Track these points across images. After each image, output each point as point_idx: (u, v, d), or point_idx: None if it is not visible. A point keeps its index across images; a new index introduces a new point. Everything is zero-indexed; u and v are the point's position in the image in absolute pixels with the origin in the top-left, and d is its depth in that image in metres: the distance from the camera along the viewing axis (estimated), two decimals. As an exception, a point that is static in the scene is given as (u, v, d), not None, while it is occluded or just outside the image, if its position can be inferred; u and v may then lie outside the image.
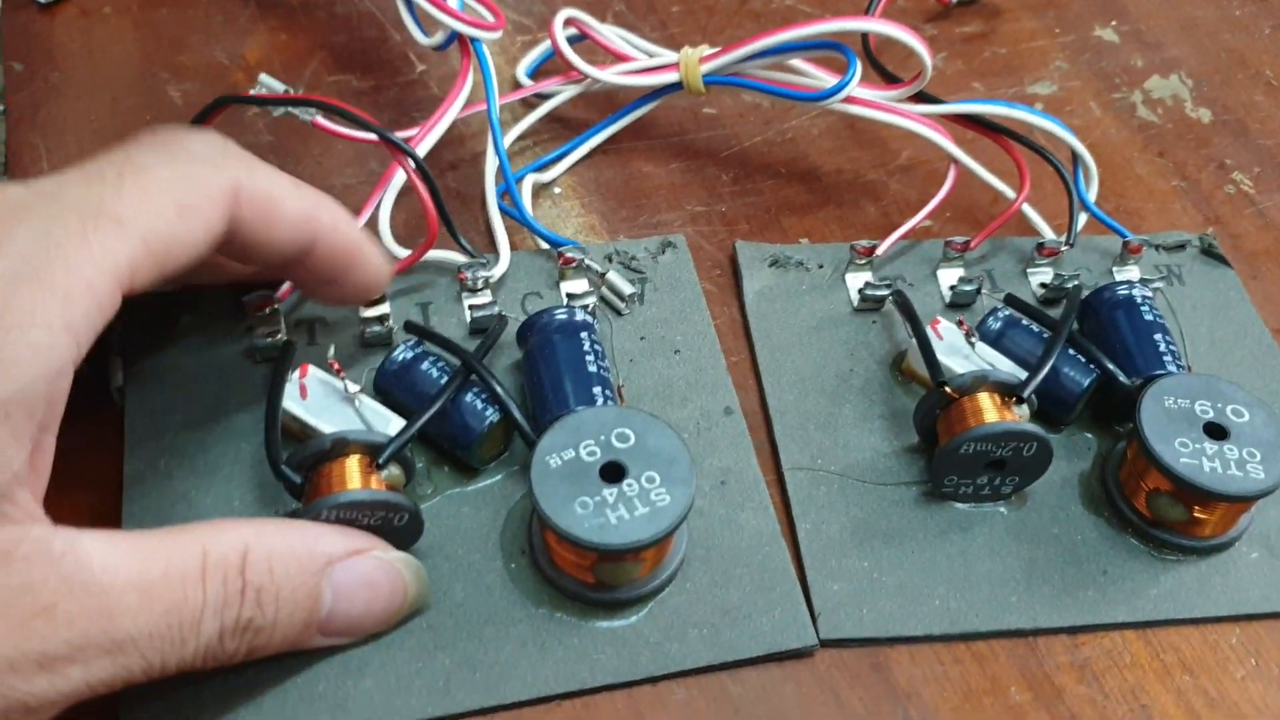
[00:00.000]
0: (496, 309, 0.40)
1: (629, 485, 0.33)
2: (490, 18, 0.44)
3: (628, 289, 0.42)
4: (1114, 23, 0.56)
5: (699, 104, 0.51)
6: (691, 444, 0.38)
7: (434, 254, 0.42)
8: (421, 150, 0.42)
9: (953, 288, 0.43)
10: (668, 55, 0.47)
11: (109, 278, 0.28)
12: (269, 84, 0.40)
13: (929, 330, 0.39)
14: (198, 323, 0.40)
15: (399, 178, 0.43)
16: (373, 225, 0.42)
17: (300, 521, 0.32)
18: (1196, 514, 0.36)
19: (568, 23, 0.46)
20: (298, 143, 0.47)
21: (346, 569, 0.32)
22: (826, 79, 0.45)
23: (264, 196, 0.32)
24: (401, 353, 0.38)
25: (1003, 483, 0.37)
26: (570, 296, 0.42)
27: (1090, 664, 0.35)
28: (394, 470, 0.35)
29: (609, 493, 0.33)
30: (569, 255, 0.41)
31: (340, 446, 0.34)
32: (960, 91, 0.52)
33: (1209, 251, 0.46)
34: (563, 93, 0.48)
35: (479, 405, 0.36)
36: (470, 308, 0.41)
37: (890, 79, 0.47)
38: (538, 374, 0.38)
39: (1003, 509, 0.38)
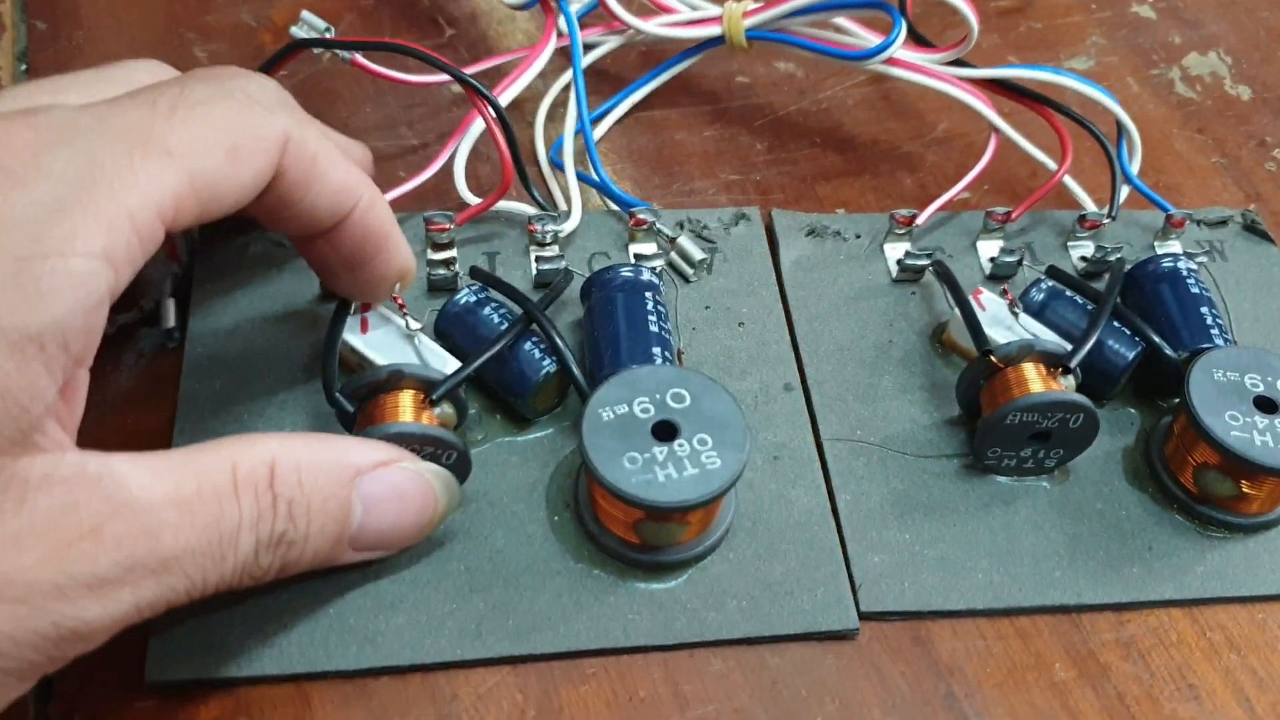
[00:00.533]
0: (563, 263, 0.40)
1: (680, 445, 0.32)
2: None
3: (698, 254, 0.41)
4: (1151, -1, 0.55)
5: (733, 72, 0.50)
6: (749, 417, 0.37)
7: (505, 205, 0.42)
8: (503, 101, 0.42)
9: (993, 259, 0.42)
10: (711, 9, 0.46)
11: (153, 210, 0.27)
12: (310, 21, 0.39)
13: (971, 300, 0.38)
14: (269, 254, 0.40)
15: (474, 128, 0.43)
16: (447, 173, 0.43)
17: (328, 435, 0.31)
18: (1245, 489, 0.35)
19: None
20: (325, 105, 0.46)
21: (376, 480, 0.31)
22: (870, 39, 0.44)
23: (310, 155, 0.31)
24: (465, 296, 0.37)
25: (1046, 456, 0.37)
26: (638, 258, 0.41)
27: (1136, 641, 0.34)
28: (447, 409, 0.34)
29: (659, 450, 0.32)
30: (641, 217, 0.41)
31: (395, 379, 0.33)
32: (996, 65, 0.51)
33: (1252, 227, 0.45)
34: (605, 44, 0.47)
35: (537, 355, 0.36)
36: (537, 259, 0.40)
37: (926, 44, 0.46)
38: (597, 329, 0.37)
39: (1045, 483, 0.37)
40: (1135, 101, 0.50)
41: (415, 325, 0.36)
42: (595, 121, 0.46)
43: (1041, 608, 0.35)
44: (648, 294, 0.38)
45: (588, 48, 0.47)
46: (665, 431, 0.33)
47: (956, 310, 0.38)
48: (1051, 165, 0.44)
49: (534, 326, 0.36)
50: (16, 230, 0.25)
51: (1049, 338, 0.38)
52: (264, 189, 0.31)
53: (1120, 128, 0.44)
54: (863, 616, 0.34)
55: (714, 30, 0.45)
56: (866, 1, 0.43)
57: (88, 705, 0.31)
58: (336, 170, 0.32)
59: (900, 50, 0.43)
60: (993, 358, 0.36)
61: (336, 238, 0.34)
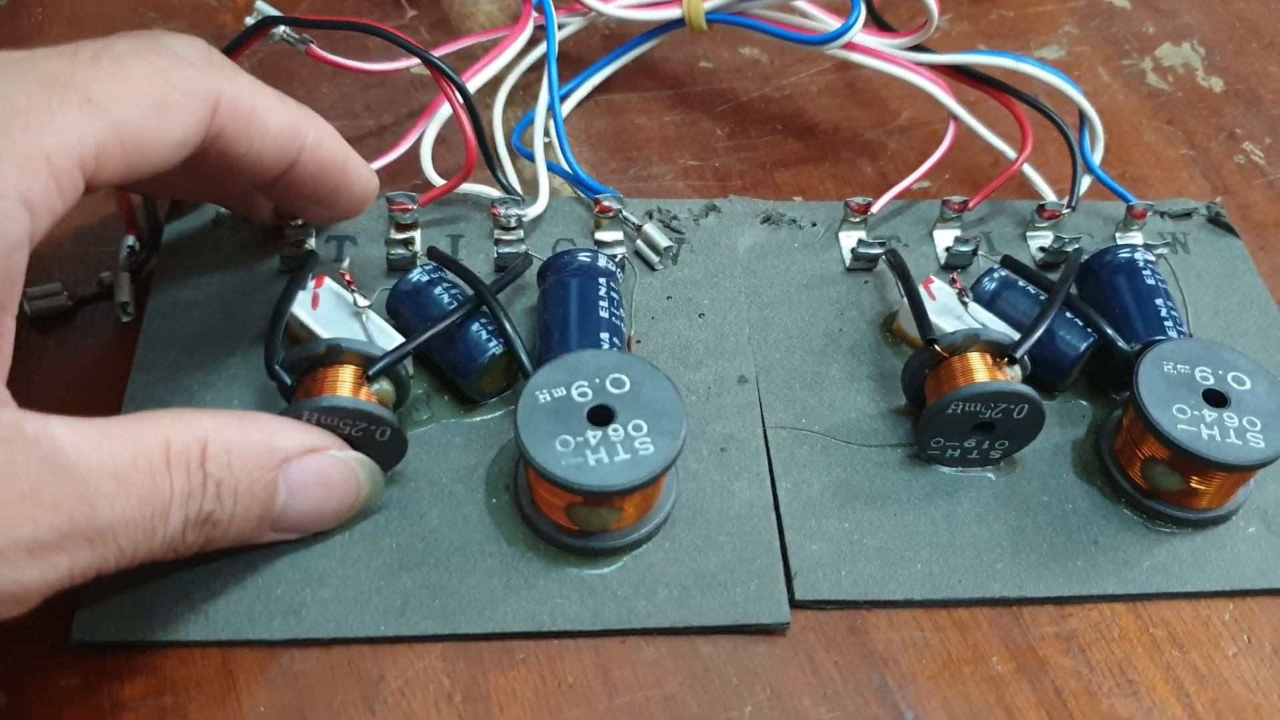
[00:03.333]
0: (523, 248, 0.40)
1: (614, 430, 0.32)
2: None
3: (664, 242, 0.40)
4: (1127, -12, 0.55)
5: (695, 57, 0.49)
6: (699, 408, 0.37)
7: (470, 188, 0.41)
8: (472, 87, 0.42)
9: (948, 249, 0.41)
10: None
11: (71, 156, 0.27)
12: (263, 9, 0.39)
13: (921, 289, 0.38)
14: (235, 233, 0.40)
15: (442, 112, 0.43)
16: (413, 157, 0.42)
17: (261, 415, 0.31)
18: (1193, 484, 0.35)
19: None
20: (281, 86, 0.46)
21: (303, 466, 0.31)
22: (830, 23, 0.43)
23: (246, 107, 0.31)
24: (417, 275, 0.37)
25: (991, 447, 0.36)
26: (601, 244, 0.41)
27: (1077, 635, 0.34)
28: (385, 386, 0.34)
29: (592, 434, 0.32)
30: (606, 204, 0.40)
31: (335, 354, 0.33)
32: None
33: (1216, 220, 0.44)
34: (566, 26, 0.47)
35: (484, 336, 0.36)
36: (498, 243, 0.40)
37: (886, 28, 0.45)
38: (548, 313, 0.37)
39: (991, 475, 0.37)
40: (1105, 92, 0.50)
41: (363, 302, 0.36)
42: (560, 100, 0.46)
43: (981, 600, 0.34)
44: (602, 280, 0.37)
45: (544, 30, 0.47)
46: (601, 416, 0.32)
47: (905, 299, 0.38)
48: (1011, 154, 0.44)
49: (484, 309, 0.36)
50: None
51: (998, 328, 0.37)
52: (208, 146, 0.31)
53: (1082, 117, 0.43)
54: (798, 605, 0.34)
55: (675, 12, 0.45)
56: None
57: (12, 679, 0.31)
58: (276, 115, 0.32)
59: (860, 35, 0.42)
60: (937, 346, 0.35)
61: (293, 178, 0.33)
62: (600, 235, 0.41)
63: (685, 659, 0.33)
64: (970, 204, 0.42)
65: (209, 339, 0.37)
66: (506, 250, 0.40)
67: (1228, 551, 0.36)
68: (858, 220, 0.42)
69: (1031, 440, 0.36)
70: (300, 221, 0.39)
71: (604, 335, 0.36)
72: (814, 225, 0.43)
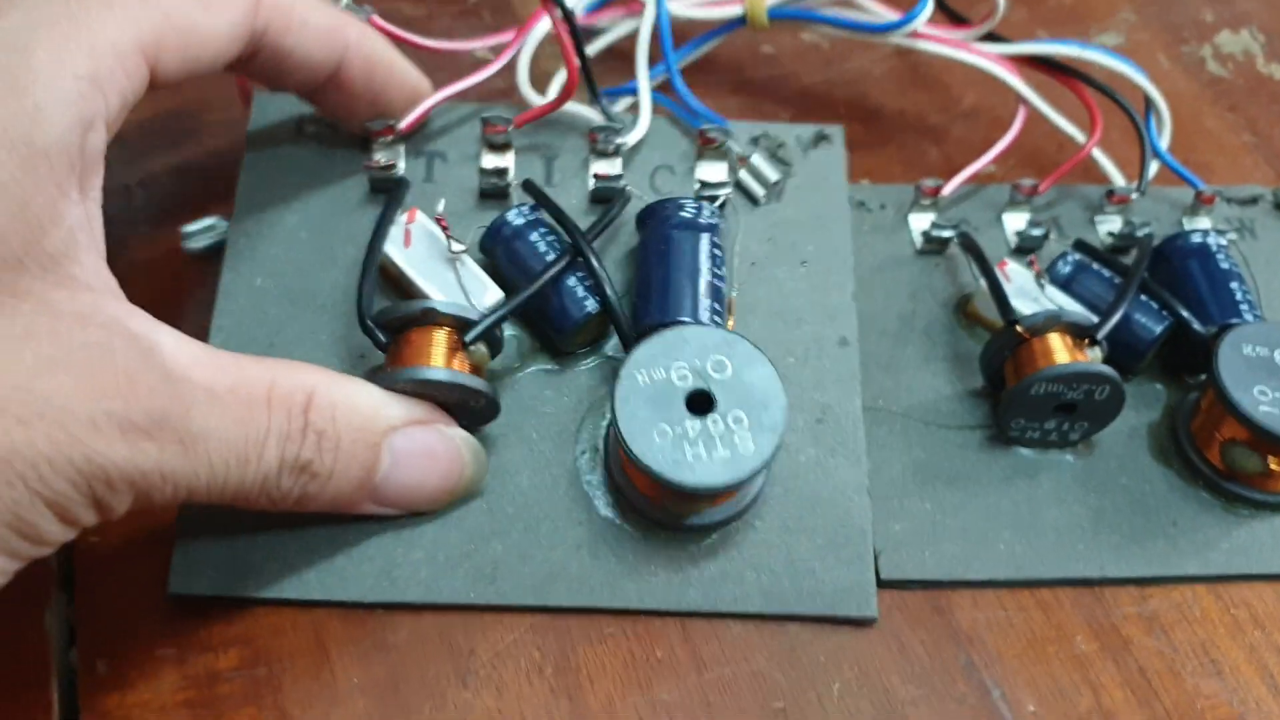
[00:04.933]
0: (623, 183, 0.38)
1: (714, 422, 0.31)
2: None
3: (773, 175, 0.39)
4: (1183, -24, 0.55)
5: (757, 42, 0.49)
6: (797, 372, 0.36)
7: (569, 108, 0.40)
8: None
9: (1019, 233, 0.41)
10: None
11: (133, 43, 0.28)
12: None
13: (997, 271, 0.38)
14: (320, 141, 0.39)
15: (539, 28, 0.41)
16: (510, 71, 0.41)
17: (371, 385, 0.31)
18: (1273, 466, 0.35)
19: None
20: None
21: (409, 435, 0.31)
22: (890, 17, 0.43)
23: (286, 5, 0.33)
24: (514, 217, 0.36)
25: (1071, 428, 0.36)
26: (704, 184, 0.39)
27: (1159, 616, 0.34)
28: (480, 347, 0.33)
29: (691, 425, 0.31)
30: (710, 135, 0.39)
31: (430, 316, 0.33)
32: (1024, 40, 0.50)
33: (1283, 206, 0.44)
34: (624, 26, 0.47)
35: (580, 292, 0.35)
36: (595, 176, 0.39)
37: (957, 19, 0.45)
38: (648, 270, 0.36)
39: (1069, 457, 0.37)
40: (1166, 79, 0.50)
41: (459, 247, 0.35)
42: (615, 97, 0.45)
43: (1063, 580, 0.35)
44: (705, 235, 0.36)
45: (604, 31, 0.46)
46: (701, 403, 0.32)
47: (982, 281, 0.38)
48: (1080, 139, 0.44)
49: (580, 260, 0.35)
50: (3, 53, 0.26)
51: (1076, 310, 0.37)
52: (254, 47, 0.32)
53: (1149, 102, 0.43)
54: (883, 585, 0.34)
55: (736, 10, 0.44)
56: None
57: (110, 649, 0.31)
58: (317, 14, 0.34)
59: (924, 26, 0.42)
60: (1019, 328, 0.36)
61: (342, 80, 0.35)
62: (702, 172, 0.40)
63: (773, 636, 0.33)
64: (1040, 188, 0.42)
65: (296, 264, 0.37)
66: (603, 185, 0.38)
67: (1306, 534, 0.36)
68: (928, 203, 0.42)
69: (1111, 422, 0.36)
70: (388, 132, 0.38)
71: (705, 302, 0.35)
72: (884, 208, 0.43)
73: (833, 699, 0.32)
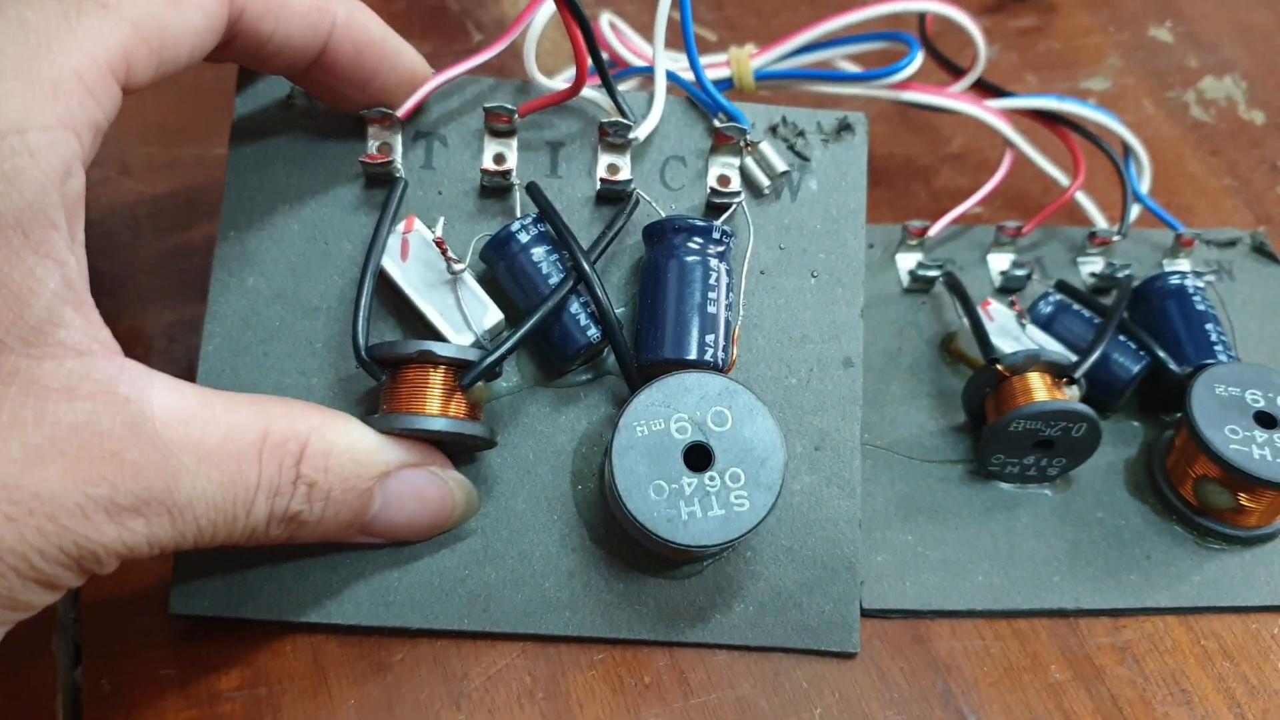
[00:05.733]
0: (631, 186, 0.36)
1: (711, 480, 0.31)
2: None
3: (780, 165, 0.37)
4: (1169, 23, 0.56)
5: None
6: (797, 394, 0.36)
7: (583, 93, 0.37)
8: None
9: (1003, 273, 0.43)
10: (716, 55, 0.46)
11: (101, 66, 0.26)
12: None
13: (980, 311, 0.39)
14: (310, 120, 0.37)
15: (546, 7, 0.37)
16: (516, 50, 0.37)
17: (366, 427, 0.31)
18: (1244, 502, 0.36)
19: (611, 27, 0.45)
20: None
21: (401, 479, 0.32)
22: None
23: None
24: (519, 231, 0.34)
25: (1049, 464, 0.37)
26: (715, 191, 0.37)
27: (1131, 646, 0.35)
28: (479, 385, 0.33)
29: (688, 482, 0.31)
30: (727, 133, 0.37)
31: (427, 357, 0.32)
32: (1013, 84, 0.52)
33: (1261, 249, 0.46)
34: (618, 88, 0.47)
35: (583, 320, 0.34)
36: (601, 179, 0.36)
37: (948, 65, 0.47)
38: (655, 297, 0.34)
39: (1048, 491, 0.38)
40: (1150, 123, 0.51)
41: (459, 267, 0.34)
42: (626, 77, 0.44)
43: (1040, 611, 0.36)
44: (716, 263, 0.34)
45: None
46: (699, 457, 0.32)
47: (965, 320, 0.39)
48: (1065, 182, 0.45)
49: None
50: None
51: (1055, 349, 0.38)
52: (233, 32, 0.30)
53: (1126, 148, 0.45)
54: (864, 614, 0.35)
55: (724, 72, 0.45)
56: (876, 36, 0.43)
57: (114, 670, 0.33)
58: None
59: (912, 74, 0.43)
60: (999, 366, 0.37)
61: (330, 61, 0.33)
62: (715, 170, 0.37)
63: (757, 663, 0.34)
64: (1025, 229, 0.43)
65: (288, 263, 0.35)
66: (610, 186, 0.36)
67: (1276, 567, 0.37)
68: (915, 243, 0.43)
69: (1088, 458, 0.37)
70: (385, 120, 0.36)
71: (710, 337, 0.33)
72: (871, 247, 0.44)
73: (814, 724, 0.33)
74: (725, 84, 0.46)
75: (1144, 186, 0.45)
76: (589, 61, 0.35)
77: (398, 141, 0.36)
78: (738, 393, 0.32)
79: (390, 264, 0.34)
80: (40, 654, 0.33)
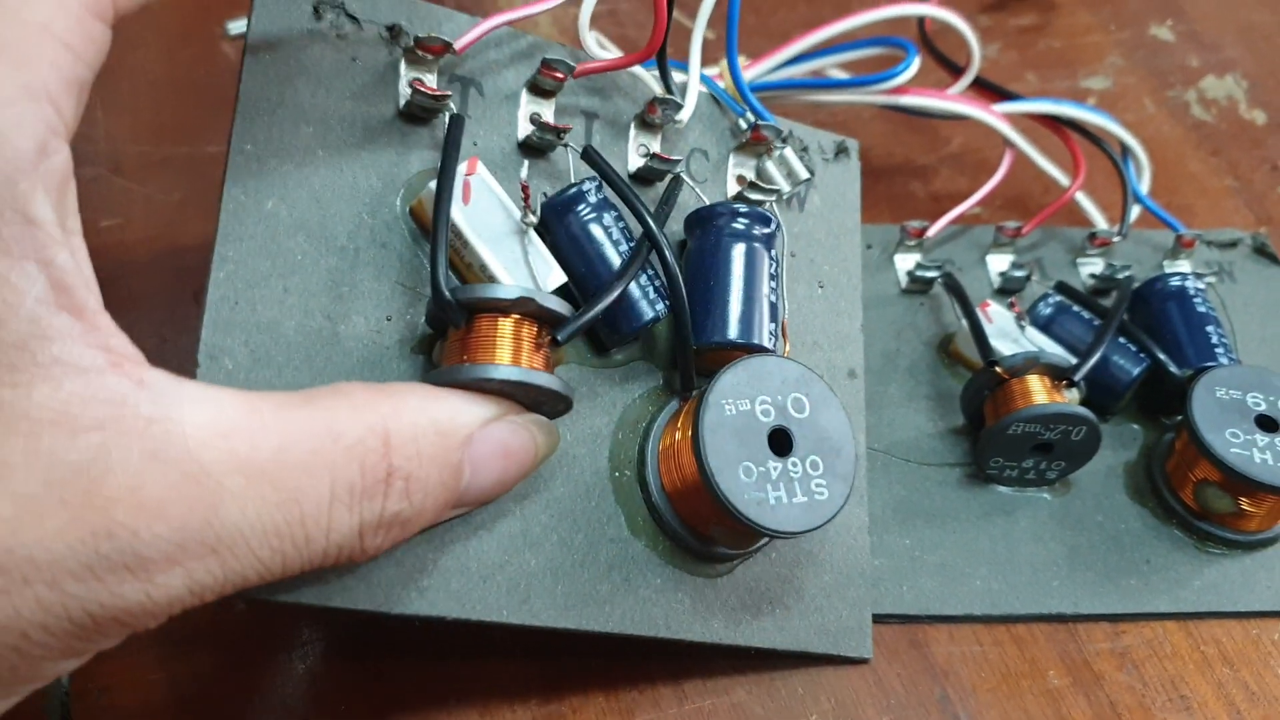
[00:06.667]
0: (678, 168, 0.35)
1: (794, 465, 0.31)
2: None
3: (803, 172, 0.37)
4: (1170, 22, 0.56)
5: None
6: None
7: (633, 69, 0.36)
8: None
9: (1002, 274, 0.42)
10: (708, 69, 0.45)
11: (73, 9, 0.23)
12: None
13: (979, 312, 0.39)
14: (340, 36, 0.32)
15: None
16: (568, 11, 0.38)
17: (437, 390, 0.28)
18: (1244, 506, 0.36)
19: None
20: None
21: (484, 439, 0.28)
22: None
23: None
24: (590, 193, 0.32)
25: (1048, 467, 0.37)
26: (752, 185, 0.36)
27: (1130, 652, 0.35)
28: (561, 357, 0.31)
29: (774, 466, 0.30)
30: (764, 132, 0.36)
31: (524, 305, 0.29)
32: (1013, 83, 0.52)
33: (1262, 250, 0.45)
34: None
35: (652, 293, 0.32)
36: (652, 155, 0.35)
37: (948, 64, 0.46)
38: (708, 281, 0.33)
39: (1046, 495, 0.38)
40: (1151, 123, 0.51)
41: (531, 219, 0.31)
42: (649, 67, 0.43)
43: (1038, 616, 0.35)
44: (766, 251, 0.34)
45: None
46: (781, 443, 0.31)
47: (964, 321, 0.39)
48: (1065, 182, 0.45)
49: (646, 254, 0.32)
50: None
51: (1055, 351, 0.38)
52: None
53: (1125, 149, 0.44)
54: (861, 618, 0.35)
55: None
56: (873, 41, 0.43)
57: (105, 677, 0.32)
58: None
59: (909, 79, 0.43)
60: (998, 368, 0.37)
61: None
62: (739, 167, 0.37)
63: (753, 668, 0.34)
64: (1024, 230, 0.43)
65: (311, 191, 0.31)
66: (651, 164, 0.35)
67: (1276, 572, 0.37)
68: (913, 244, 0.43)
69: (1087, 462, 0.37)
70: (438, 49, 0.32)
71: (769, 325, 0.33)
72: (869, 248, 0.44)
73: (810, 730, 0.33)
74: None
75: (1144, 187, 0.45)
76: (665, 27, 0.33)
77: (432, 79, 0.33)
78: (813, 381, 0.32)
79: (453, 207, 0.30)
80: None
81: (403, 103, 0.32)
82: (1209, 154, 0.50)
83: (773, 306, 0.33)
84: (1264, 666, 0.35)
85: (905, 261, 0.43)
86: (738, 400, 0.31)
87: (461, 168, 0.31)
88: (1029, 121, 0.45)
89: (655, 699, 0.33)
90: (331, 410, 0.24)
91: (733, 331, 0.32)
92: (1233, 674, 0.35)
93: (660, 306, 0.32)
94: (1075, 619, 0.35)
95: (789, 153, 0.37)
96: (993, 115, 0.44)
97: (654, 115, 0.35)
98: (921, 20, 0.48)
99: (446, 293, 0.28)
